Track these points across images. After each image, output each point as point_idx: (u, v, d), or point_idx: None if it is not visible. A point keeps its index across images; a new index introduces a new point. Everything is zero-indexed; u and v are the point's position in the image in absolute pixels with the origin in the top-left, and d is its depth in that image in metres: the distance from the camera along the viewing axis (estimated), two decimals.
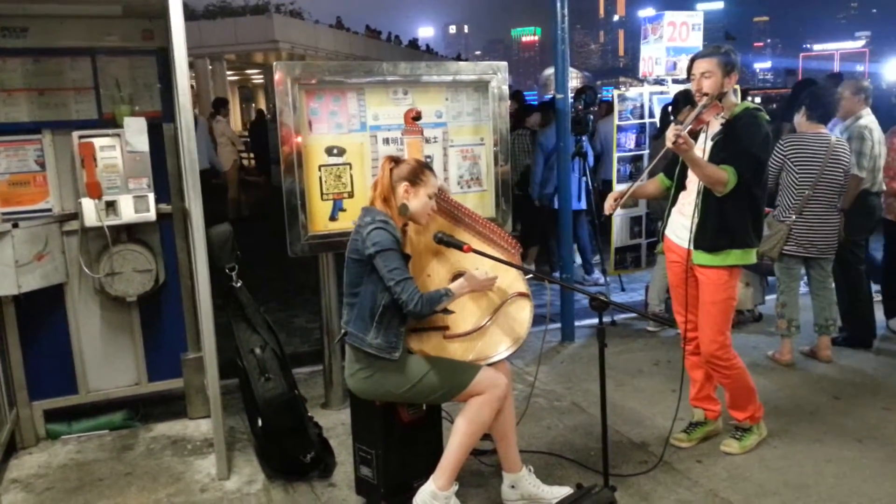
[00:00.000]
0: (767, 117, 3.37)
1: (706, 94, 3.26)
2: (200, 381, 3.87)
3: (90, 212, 3.59)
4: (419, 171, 2.89)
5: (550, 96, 9.02)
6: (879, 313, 5.18)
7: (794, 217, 4.46)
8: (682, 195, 3.53)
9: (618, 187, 5.76)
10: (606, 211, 3.49)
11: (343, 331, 2.91)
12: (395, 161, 2.93)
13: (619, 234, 5.93)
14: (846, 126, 4.76)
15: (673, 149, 3.11)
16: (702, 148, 3.36)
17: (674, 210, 3.58)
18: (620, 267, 6.06)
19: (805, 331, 4.80)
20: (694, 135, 3.40)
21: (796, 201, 4.45)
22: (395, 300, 2.75)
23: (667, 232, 3.65)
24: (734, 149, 3.25)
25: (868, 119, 4.72)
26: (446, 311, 2.94)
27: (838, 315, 4.81)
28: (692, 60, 3.42)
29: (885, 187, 4.88)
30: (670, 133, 3.09)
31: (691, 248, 3.40)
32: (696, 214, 3.36)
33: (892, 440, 3.62)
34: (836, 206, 4.49)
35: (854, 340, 4.91)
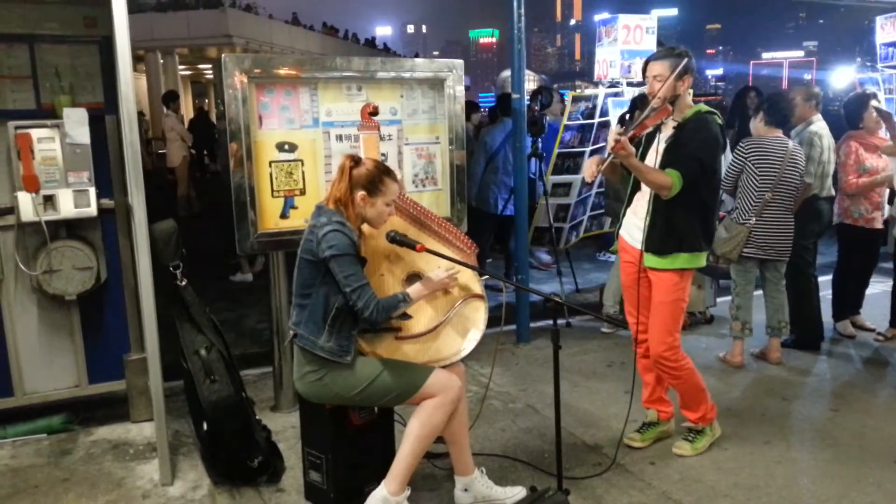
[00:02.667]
0: (720, 121, 3.36)
1: (658, 98, 3.23)
2: (144, 383, 3.72)
3: (27, 206, 3.44)
4: (378, 180, 2.77)
5: (493, 95, 9.07)
6: (827, 316, 5.28)
7: (753, 220, 4.51)
8: (637, 196, 3.50)
9: (552, 178, 5.97)
10: (588, 178, 3.38)
11: (292, 332, 2.83)
12: (356, 162, 2.81)
13: (543, 215, 6.21)
14: (797, 132, 4.84)
15: (613, 154, 3.09)
16: (656, 150, 3.34)
17: (629, 210, 3.56)
18: (537, 243, 6.46)
19: (755, 333, 4.85)
20: (649, 138, 3.40)
21: (756, 204, 4.50)
22: (349, 304, 2.67)
23: (621, 232, 3.62)
24: (681, 153, 3.23)
25: (819, 125, 4.81)
26: (404, 316, 2.86)
27: (789, 317, 4.89)
28: (646, 63, 3.40)
29: (834, 192, 4.98)
30: (610, 138, 3.06)
31: (643, 249, 3.39)
32: (647, 216, 3.35)
33: (839, 441, 3.67)
34: (791, 209, 4.57)
35: (803, 343, 4.98)
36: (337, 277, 2.65)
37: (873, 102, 5.08)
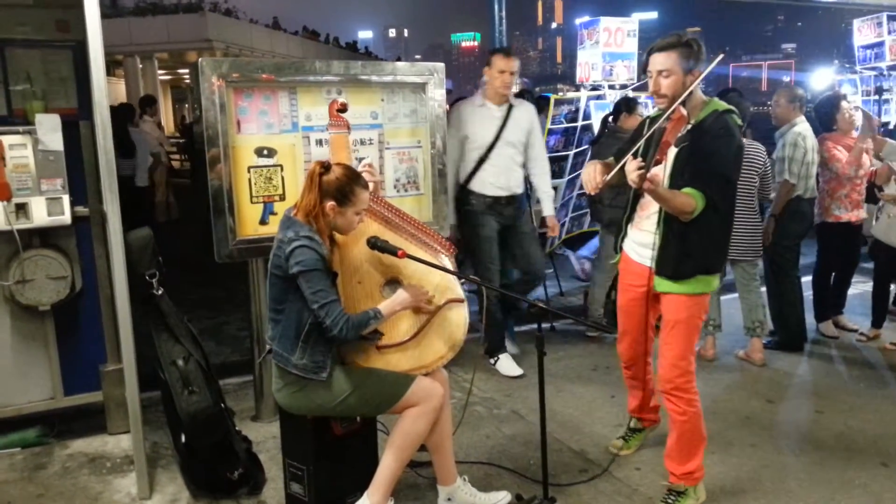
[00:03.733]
0: (739, 120, 2.91)
1: (664, 97, 2.80)
2: (121, 394, 3.63)
3: None
4: (348, 190, 2.66)
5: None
6: (810, 317, 5.29)
7: None
8: (639, 207, 3.08)
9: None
10: (591, 191, 2.87)
11: (268, 347, 2.77)
12: (325, 168, 2.70)
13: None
14: (781, 132, 4.85)
15: (642, 191, 2.67)
16: (669, 159, 2.89)
17: (631, 225, 3.16)
18: None
19: (737, 335, 4.85)
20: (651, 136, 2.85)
21: None
22: (318, 321, 2.61)
23: (625, 247, 3.21)
24: (702, 168, 2.74)
25: (802, 126, 4.82)
26: (375, 333, 2.78)
27: (767, 317, 4.90)
28: (648, 53, 2.88)
29: (817, 193, 5.00)
30: (633, 174, 2.55)
31: (652, 266, 2.98)
32: (657, 236, 2.93)
33: (824, 443, 3.66)
34: (754, 208, 4.58)
35: (786, 344, 4.99)
36: (305, 294, 2.58)
37: (844, 103, 5.12)
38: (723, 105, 2.88)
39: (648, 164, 2.62)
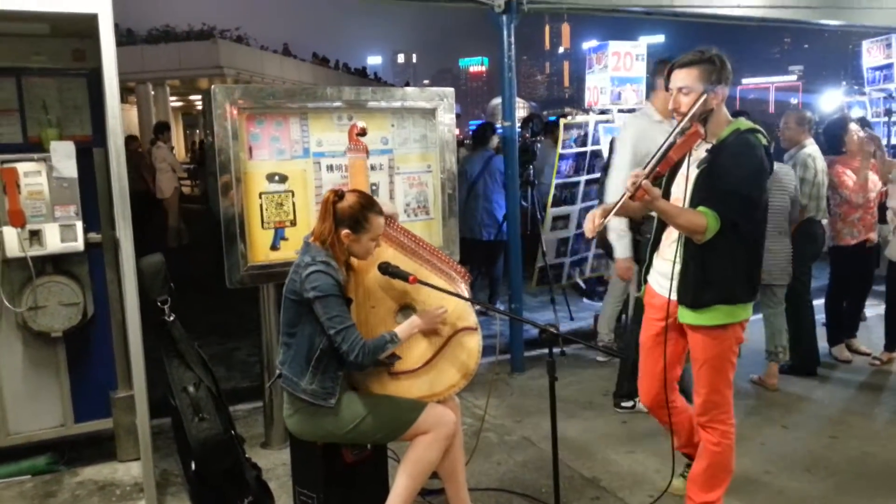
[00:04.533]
0: (764, 140, 2.73)
1: (684, 115, 2.66)
2: (131, 422, 3.63)
3: (12, 242, 3.38)
4: (362, 218, 2.68)
5: (482, 122, 8.97)
6: (823, 341, 5.24)
7: None
8: (665, 235, 2.94)
9: (552, 210, 5.86)
10: (589, 234, 2.76)
11: (278, 372, 2.76)
12: (339, 196, 2.72)
13: (549, 252, 6.07)
14: (791, 154, 4.85)
15: (636, 200, 2.53)
16: (685, 177, 2.77)
17: (655, 254, 3.00)
18: (543, 283, 6.18)
19: (752, 359, 4.81)
20: (676, 164, 2.77)
21: None
22: (334, 346, 2.60)
23: (649, 278, 3.05)
24: (717, 186, 2.63)
25: (812, 148, 4.82)
26: (392, 357, 2.79)
27: (788, 342, 4.85)
28: (669, 70, 2.77)
29: (828, 215, 4.98)
30: (629, 181, 2.51)
31: (672, 298, 2.82)
32: (676, 262, 2.78)
33: (839, 469, 3.61)
34: (785, 231, 4.55)
35: (799, 368, 4.94)
36: (321, 319, 2.59)
37: (852, 126, 5.12)
38: (746, 124, 2.76)
39: (649, 173, 2.54)
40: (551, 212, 6.07)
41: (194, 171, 16.57)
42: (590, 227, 2.73)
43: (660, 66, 4.04)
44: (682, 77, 2.69)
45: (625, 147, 4.02)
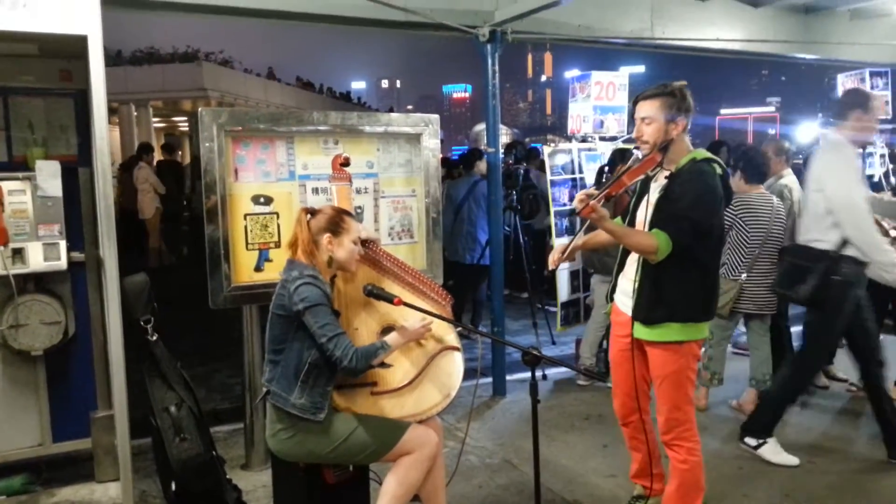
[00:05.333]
0: (719, 170, 2.89)
1: (646, 143, 2.84)
2: (110, 441, 3.61)
3: None
4: (338, 220, 2.80)
5: (468, 148, 8.99)
6: None
7: (745, 275, 4.57)
8: (629, 257, 3.10)
9: (556, 241, 5.81)
10: (550, 265, 3.05)
11: (265, 389, 2.77)
12: (311, 212, 2.82)
13: (564, 289, 5.90)
14: (768, 185, 4.94)
15: (583, 217, 2.70)
16: (648, 202, 2.94)
17: (620, 273, 3.17)
18: (564, 323, 6.02)
19: (730, 385, 4.86)
20: (643, 188, 3.03)
21: (747, 260, 4.58)
22: (325, 357, 2.62)
23: (615, 297, 3.22)
24: (669, 210, 2.81)
25: (789, 179, 4.93)
26: (383, 365, 2.83)
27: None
28: (635, 102, 2.96)
29: None
30: (576, 199, 2.70)
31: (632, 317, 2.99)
32: (636, 281, 2.94)
33: (818, 495, 3.65)
34: (776, 262, 4.63)
35: None
36: (312, 329, 2.61)
37: None
38: (703, 154, 2.92)
39: (600, 193, 2.68)
40: (557, 242, 5.84)
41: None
42: (553, 259, 3.04)
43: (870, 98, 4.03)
44: (646, 108, 2.86)
45: (854, 184, 3.83)
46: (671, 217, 2.79)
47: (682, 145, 2.91)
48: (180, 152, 15.76)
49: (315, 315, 2.61)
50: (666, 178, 2.88)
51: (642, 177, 2.87)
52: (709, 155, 2.93)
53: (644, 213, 2.93)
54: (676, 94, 2.84)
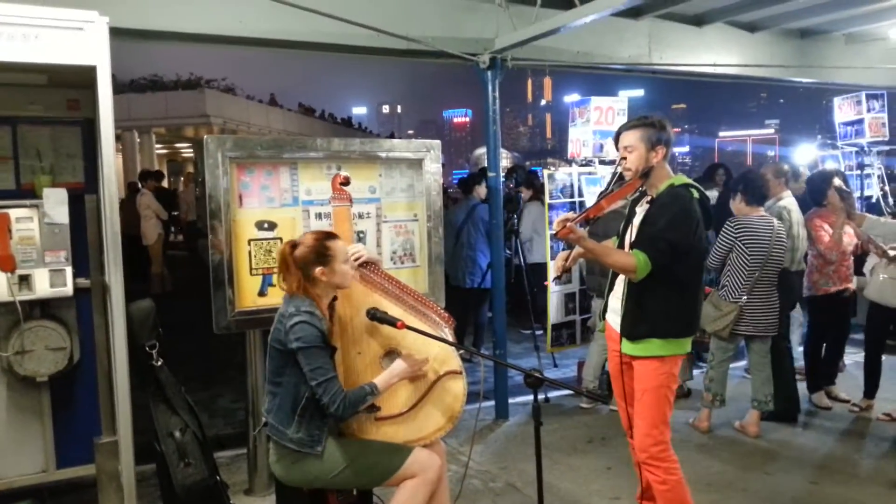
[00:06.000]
0: (696, 194, 3.06)
1: (629, 170, 3.05)
2: (114, 467, 3.61)
3: (1, 286, 3.39)
4: (322, 248, 2.75)
5: (468, 172, 9.02)
6: (802, 387, 5.32)
7: (745, 298, 4.59)
8: (618, 277, 3.23)
9: (551, 264, 5.82)
10: (555, 272, 3.15)
11: (264, 420, 2.79)
12: (293, 246, 2.78)
13: (554, 310, 5.94)
14: (767, 207, 4.98)
15: (561, 239, 2.88)
16: (632, 225, 3.15)
17: (611, 293, 3.32)
18: (556, 344, 6.04)
19: (734, 406, 4.86)
20: (631, 213, 3.21)
21: (747, 282, 4.60)
22: (316, 397, 2.64)
23: (606, 315, 3.38)
24: (647, 232, 3.00)
25: (788, 200, 4.97)
26: (371, 409, 2.83)
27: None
28: (617, 133, 3.19)
29: (804, 266, 5.09)
30: (556, 223, 2.88)
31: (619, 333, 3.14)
32: (623, 298, 3.11)
33: None
34: (776, 284, 4.66)
35: (780, 415, 4.99)
36: (304, 370, 2.63)
37: (836, 181, 5.25)
38: (682, 179, 3.11)
39: (579, 216, 2.88)
40: (552, 265, 5.87)
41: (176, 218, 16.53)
42: (557, 266, 3.17)
43: None
44: (628, 138, 3.09)
45: None
46: (649, 238, 2.98)
47: (663, 172, 3.10)
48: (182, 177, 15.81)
49: (308, 357, 2.62)
50: (647, 202, 3.09)
51: (622, 202, 3.06)
52: (687, 180, 3.12)
53: (630, 236, 3.13)
54: (656, 125, 3.05)
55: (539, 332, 6.38)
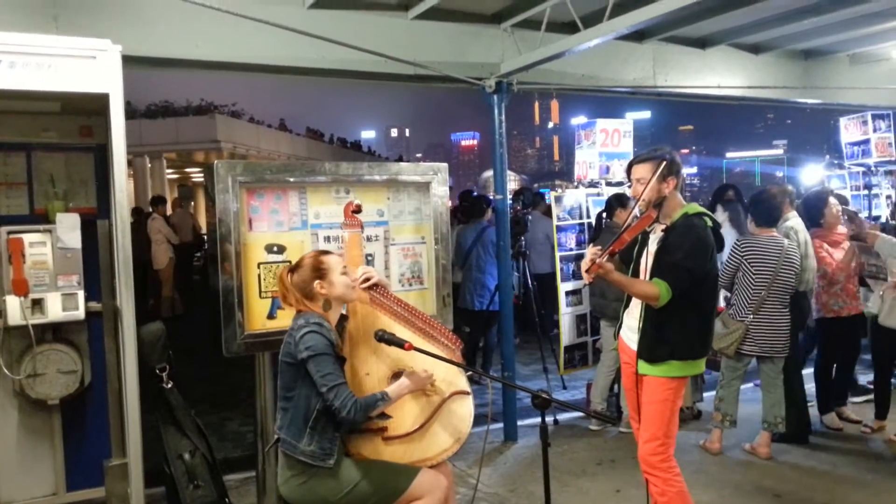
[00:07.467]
0: (710, 222, 3.21)
1: (642, 201, 3.17)
2: (124, 490, 3.62)
3: (14, 310, 3.44)
4: (317, 263, 2.87)
5: (475, 193, 9.08)
6: (813, 409, 5.29)
7: (751, 317, 4.59)
8: (634, 298, 3.34)
9: (562, 286, 5.85)
10: (586, 280, 3.11)
11: (276, 436, 2.81)
12: (291, 270, 2.91)
13: (567, 332, 5.93)
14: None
15: (590, 277, 3.00)
16: (647, 253, 3.26)
17: (626, 311, 3.43)
18: (569, 366, 6.03)
19: (745, 428, 4.84)
20: (644, 238, 3.30)
21: (753, 301, 4.60)
22: (327, 404, 2.67)
23: (620, 333, 3.49)
24: (667, 261, 3.13)
25: (794, 221, 4.98)
26: (383, 416, 2.86)
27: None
28: (629, 166, 3.33)
29: (811, 286, 5.08)
30: (585, 260, 3.02)
31: (637, 353, 3.24)
32: (640, 321, 3.21)
33: None
34: (787, 305, 4.65)
35: (791, 436, 4.96)
36: (314, 377, 2.67)
37: (832, 200, 5.26)
38: (695, 208, 3.24)
39: (604, 251, 3.00)
40: (562, 287, 5.94)
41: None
42: (586, 266, 3.10)
43: None
44: (640, 171, 3.21)
45: None
46: (670, 267, 3.10)
47: (675, 201, 3.24)
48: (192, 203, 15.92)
49: (318, 364, 2.66)
50: (662, 230, 3.21)
51: (645, 230, 3.16)
52: (700, 209, 3.25)
53: (645, 262, 3.25)
54: (666, 157, 3.17)
55: (547, 354, 6.38)
